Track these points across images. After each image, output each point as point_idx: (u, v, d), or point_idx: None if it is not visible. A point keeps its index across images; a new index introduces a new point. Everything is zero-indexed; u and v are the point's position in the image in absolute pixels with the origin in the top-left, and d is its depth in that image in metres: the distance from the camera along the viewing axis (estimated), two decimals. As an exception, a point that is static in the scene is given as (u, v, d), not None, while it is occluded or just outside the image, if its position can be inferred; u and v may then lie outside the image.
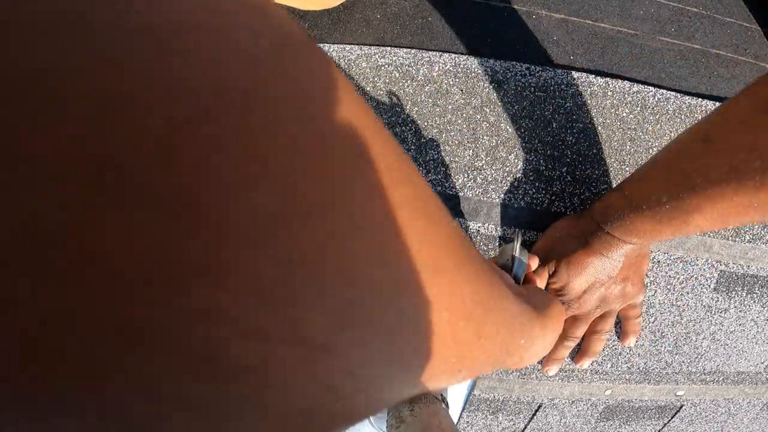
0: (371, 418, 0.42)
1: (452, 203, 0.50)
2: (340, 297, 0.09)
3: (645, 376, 0.57)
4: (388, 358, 0.11)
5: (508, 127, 0.50)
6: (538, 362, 0.54)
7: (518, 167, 0.50)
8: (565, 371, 0.55)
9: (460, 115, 0.49)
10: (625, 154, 0.51)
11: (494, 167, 0.50)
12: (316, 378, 0.10)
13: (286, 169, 0.09)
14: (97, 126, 0.07)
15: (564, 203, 0.51)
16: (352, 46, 0.49)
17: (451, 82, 0.49)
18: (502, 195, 0.50)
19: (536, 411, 0.56)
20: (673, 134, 0.52)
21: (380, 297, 0.10)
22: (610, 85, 0.51)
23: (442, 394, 0.39)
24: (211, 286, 0.08)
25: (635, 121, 0.51)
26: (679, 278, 0.54)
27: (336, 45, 0.49)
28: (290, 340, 0.09)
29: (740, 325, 0.56)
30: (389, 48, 0.49)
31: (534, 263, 0.44)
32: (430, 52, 0.49)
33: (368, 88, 0.49)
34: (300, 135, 0.09)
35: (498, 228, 0.50)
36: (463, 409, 0.43)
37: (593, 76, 0.51)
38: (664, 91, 0.52)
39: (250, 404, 0.09)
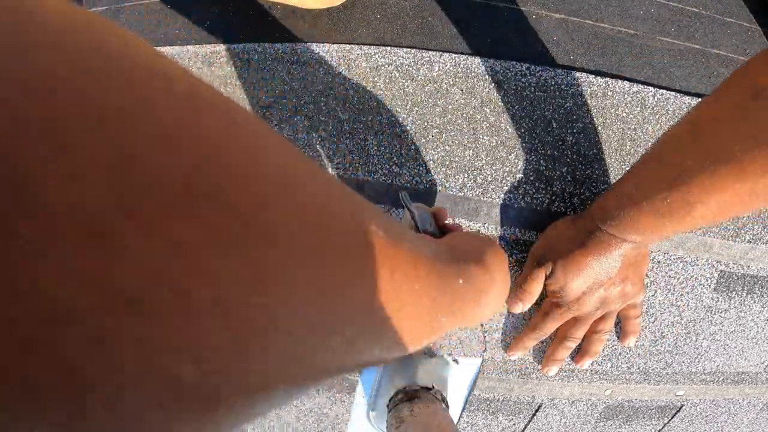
0: (371, 418, 0.42)
1: (452, 203, 0.50)
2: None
3: (645, 376, 0.57)
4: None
5: (508, 127, 0.50)
6: (538, 363, 0.54)
7: (518, 167, 0.50)
8: (565, 371, 0.55)
9: (460, 115, 0.49)
10: (625, 154, 0.51)
11: (494, 167, 0.50)
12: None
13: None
14: None
15: (564, 203, 0.51)
16: (352, 46, 0.49)
17: (451, 82, 0.49)
18: (502, 195, 0.50)
19: (536, 411, 0.56)
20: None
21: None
22: (610, 85, 0.51)
23: (442, 394, 0.39)
24: None
25: (635, 121, 0.51)
26: (679, 278, 0.54)
27: (336, 45, 0.49)
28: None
29: (740, 325, 0.56)
30: (389, 48, 0.49)
31: (441, 214, 0.38)
32: (430, 52, 0.49)
33: (368, 88, 0.49)
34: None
35: (498, 228, 0.50)
36: (463, 409, 0.43)
37: (593, 76, 0.51)
38: (664, 91, 0.52)
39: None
